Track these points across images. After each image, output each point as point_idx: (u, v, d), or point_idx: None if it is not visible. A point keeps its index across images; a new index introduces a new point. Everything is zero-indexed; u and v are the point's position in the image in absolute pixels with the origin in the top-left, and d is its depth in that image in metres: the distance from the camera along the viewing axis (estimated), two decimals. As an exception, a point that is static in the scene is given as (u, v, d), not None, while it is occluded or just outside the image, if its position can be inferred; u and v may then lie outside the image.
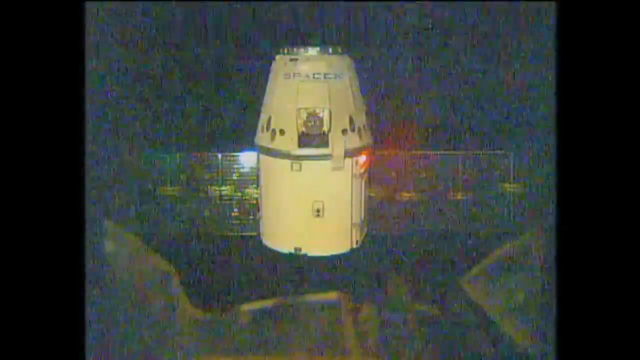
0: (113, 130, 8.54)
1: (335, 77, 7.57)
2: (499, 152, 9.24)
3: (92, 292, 5.00)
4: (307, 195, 7.60)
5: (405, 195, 9.21)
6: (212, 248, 8.85)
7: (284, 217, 7.88)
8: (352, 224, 7.84)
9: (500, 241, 8.17)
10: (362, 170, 7.80)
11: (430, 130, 9.69)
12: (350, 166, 7.63)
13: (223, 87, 9.79)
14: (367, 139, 7.94)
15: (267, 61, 7.98)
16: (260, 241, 8.33)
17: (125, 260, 7.54)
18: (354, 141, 7.63)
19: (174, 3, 9.25)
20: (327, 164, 7.50)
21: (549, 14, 5.16)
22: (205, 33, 9.62)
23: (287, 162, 7.57)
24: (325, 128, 7.47)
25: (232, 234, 9.33)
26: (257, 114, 8.09)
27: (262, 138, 7.89)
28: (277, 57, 7.87)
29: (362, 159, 7.78)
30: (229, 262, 8.44)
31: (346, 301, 7.44)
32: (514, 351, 6.65)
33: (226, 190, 9.26)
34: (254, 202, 9.11)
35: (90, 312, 4.78)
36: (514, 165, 9.14)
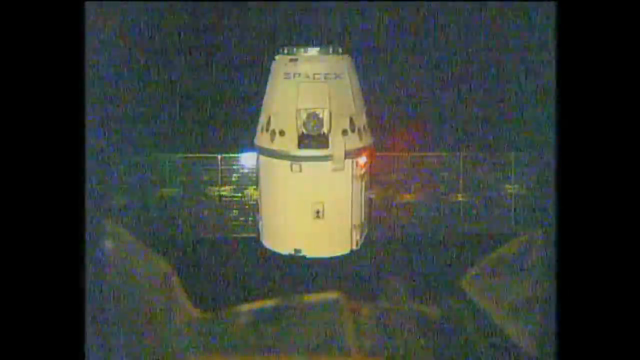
0: (113, 131, 8.54)
1: (336, 78, 7.55)
2: (499, 152, 9.24)
3: (92, 292, 4.99)
4: (307, 196, 7.57)
5: (406, 196, 9.20)
6: (212, 249, 8.84)
7: (284, 219, 7.85)
8: (352, 225, 7.83)
9: (500, 241, 8.17)
10: (363, 171, 7.79)
11: (430, 130, 9.68)
12: (350, 167, 7.62)
13: (223, 88, 9.78)
14: (368, 140, 7.92)
15: (267, 61, 7.98)
16: (260, 242, 8.33)
17: (126, 260, 7.55)
18: (354, 142, 7.61)
19: (174, 3, 9.25)
20: (327, 165, 7.47)
21: (549, 14, 5.17)
22: (205, 33, 9.62)
23: (287, 163, 7.54)
24: (325, 129, 7.46)
25: (231, 235, 9.31)
26: (257, 114, 8.09)
27: (261, 139, 7.87)
28: (277, 57, 7.85)
29: (363, 159, 7.76)
30: (229, 263, 8.43)
31: (346, 301, 7.44)
32: (514, 351, 6.65)
33: (226, 191, 9.25)
34: (254, 203, 9.10)
35: (90, 312, 4.78)
36: (514, 166, 9.14)
